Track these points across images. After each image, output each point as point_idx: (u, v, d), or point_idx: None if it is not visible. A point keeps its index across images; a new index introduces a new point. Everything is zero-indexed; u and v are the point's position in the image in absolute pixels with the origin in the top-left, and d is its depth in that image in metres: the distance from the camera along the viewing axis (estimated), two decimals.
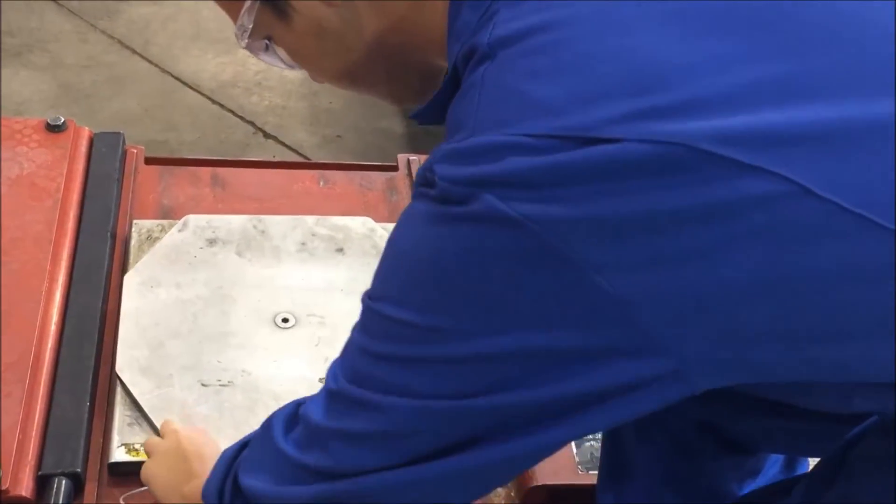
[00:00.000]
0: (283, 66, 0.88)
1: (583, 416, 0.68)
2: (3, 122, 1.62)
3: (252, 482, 0.81)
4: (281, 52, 0.86)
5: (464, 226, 0.65)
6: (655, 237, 0.61)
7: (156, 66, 2.82)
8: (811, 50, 0.64)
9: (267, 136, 2.63)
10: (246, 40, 0.84)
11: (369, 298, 0.76)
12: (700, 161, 0.60)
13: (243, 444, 0.87)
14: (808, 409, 0.85)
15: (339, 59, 0.84)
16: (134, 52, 2.87)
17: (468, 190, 0.64)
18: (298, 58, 0.86)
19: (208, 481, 0.87)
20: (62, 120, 1.61)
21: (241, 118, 2.66)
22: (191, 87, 2.74)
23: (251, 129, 2.64)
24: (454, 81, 0.75)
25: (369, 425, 0.73)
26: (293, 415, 0.83)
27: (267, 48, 0.86)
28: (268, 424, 0.83)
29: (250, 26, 0.82)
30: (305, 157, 2.55)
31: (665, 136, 0.60)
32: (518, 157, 0.63)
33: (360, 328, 0.77)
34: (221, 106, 2.69)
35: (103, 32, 2.95)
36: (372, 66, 0.84)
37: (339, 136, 2.68)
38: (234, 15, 0.82)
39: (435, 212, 0.67)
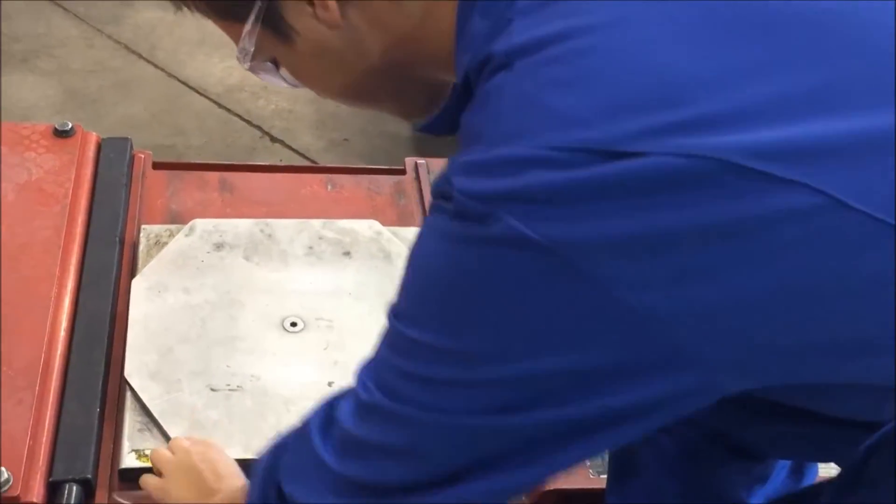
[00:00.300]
0: (286, 85, 0.87)
1: (613, 431, 0.68)
2: (12, 128, 1.63)
3: (298, 492, 0.80)
4: (284, 71, 0.85)
5: (486, 248, 0.64)
6: (685, 253, 0.60)
7: (162, 70, 2.83)
8: (834, 58, 0.64)
9: (274, 139, 2.63)
10: (248, 63, 0.83)
11: (395, 316, 0.74)
12: (732, 175, 0.59)
13: (276, 450, 0.86)
14: (827, 414, 0.84)
15: (344, 79, 0.83)
16: (140, 56, 2.88)
17: (487, 207, 0.63)
18: (303, 78, 0.85)
19: (250, 493, 0.87)
20: (70, 125, 1.61)
21: (248, 122, 2.66)
22: (197, 92, 2.75)
23: (258, 133, 2.65)
24: (466, 92, 0.74)
25: (405, 440, 0.72)
26: (328, 418, 0.82)
27: (270, 69, 0.85)
28: (305, 429, 0.83)
29: (252, 49, 0.81)
30: (312, 161, 2.56)
31: (696, 149, 0.59)
32: (539, 171, 0.62)
33: (388, 344, 0.75)
34: (228, 110, 2.70)
35: (109, 37, 2.96)
36: (378, 84, 0.84)
37: (345, 140, 2.68)
38: (235, 38, 0.81)
39: (455, 230, 0.66)
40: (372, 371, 0.77)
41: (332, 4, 0.75)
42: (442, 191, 0.68)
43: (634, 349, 0.63)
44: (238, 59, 0.83)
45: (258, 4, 0.77)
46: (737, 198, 0.59)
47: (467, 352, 0.68)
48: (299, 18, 0.77)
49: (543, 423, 0.68)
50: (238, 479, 1.07)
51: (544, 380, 0.66)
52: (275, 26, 0.79)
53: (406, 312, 0.73)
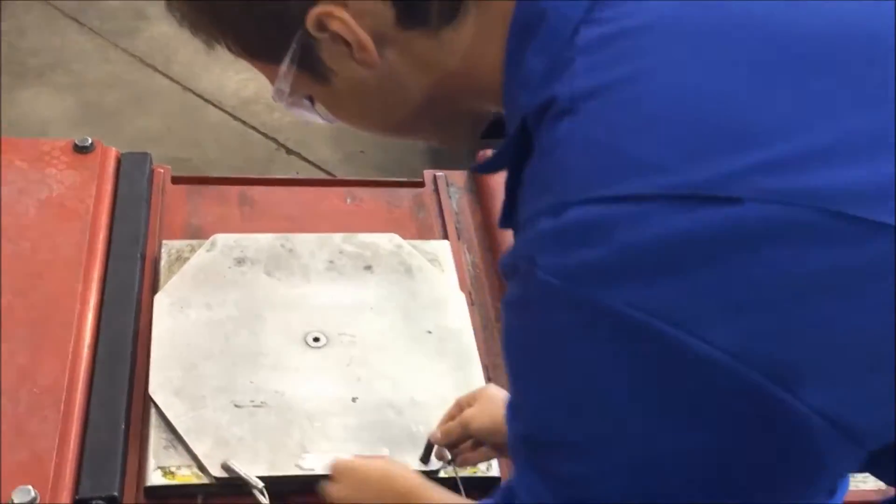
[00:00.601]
0: (322, 121, 0.86)
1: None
2: (32, 144, 1.63)
3: None
4: (320, 107, 0.84)
5: (599, 336, 0.62)
6: (793, 307, 0.58)
7: (177, 83, 2.85)
8: (890, 91, 0.62)
9: (290, 152, 2.65)
10: (284, 102, 0.82)
11: (523, 439, 0.73)
12: (831, 222, 0.57)
13: None
14: None
15: (383, 115, 0.82)
16: (155, 69, 2.90)
17: (586, 291, 0.61)
18: (340, 115, 0.84)
19: None
20: (90, 141, 1.62)
21: (264, 135, 2.67)
22: (213, 105, 2.76)
23: (274, 145, 2.66)
24: (524, 134, 0.72)
25: None
26: None
27: (306, 105, 0.84)
28: None
29: (288, 90, 0.79)
30: (329, 173, 2.57)
31: (790, 195, 0.58)
32: (627, 230, 0.59)
33: (535, 467, 0.73)
34: (244, 122, 2.71)
35: (125, 51, 2.98)
36: (418, 119, 0.82)
37: (361, 152, 2.69)
38: (271, 78, 0.80)
39: (561, 320, 0.63)
40: (538, 490, 0.75)
41: (370, 45, 0.73)
42: (518, 267, 0.66)
43: (763, 422, 0.61)
44: (273, 98, 0.82)
45: (294, 46, 0.75)
46: (840, 245, 0.58)
47: (608, 453, 0.67)
48: (336, 59, 0.76)
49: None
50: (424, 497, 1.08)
51: (690, 464, 0.64)
52: (311, 67, 0.77)
53: (543, 427, 0.71)
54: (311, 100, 0.83)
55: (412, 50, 0.76)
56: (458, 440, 1.21)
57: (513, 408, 0.75)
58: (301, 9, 0.72)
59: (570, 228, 0.62)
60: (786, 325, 0.59)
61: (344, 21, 0.72)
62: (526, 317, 0.68)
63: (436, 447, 1.21)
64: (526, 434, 0.73)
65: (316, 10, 0.72)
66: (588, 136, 0.64)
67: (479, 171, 0.83)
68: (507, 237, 1.54)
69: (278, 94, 0.80)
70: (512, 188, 0.78)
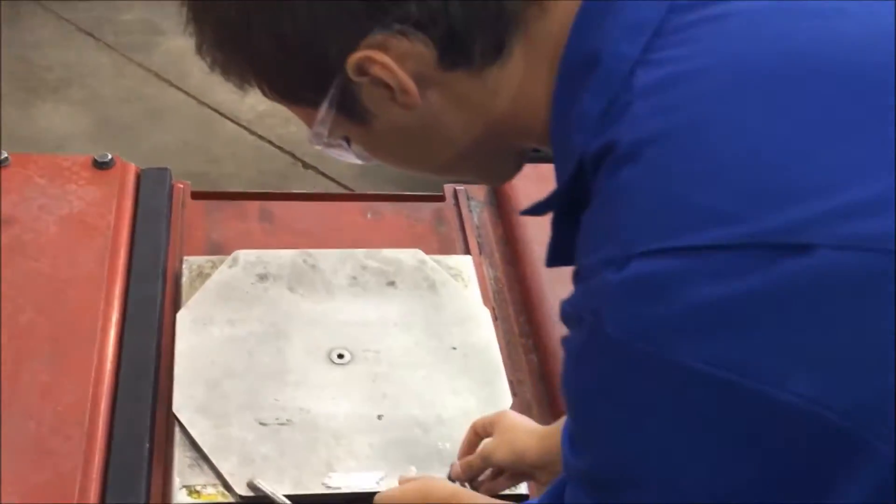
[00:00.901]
0: (360, 161, 0.84)
1: None
2: (52, 160, 1.63)
3: None
4: (357, 147, 0.82)
5: (675, 392, 0.61)
6: (865, 357, 0.57)
7: (193, 97, 2.85)
8: None
9: (306, 166, 2.65)
10: (321, 145, 0.80)
11: (585, 475, 0.72)
12: None
13: None
14: None
15: (426, 158, 0.81)
16: (171, 84, 2.90)
17: (660, 349, 0.59)
18: (379, 155, 0.82)
19: None
20: (109, 157, 1.62)
21: (280, 148, 2.68)
22: (229, 119, 2.77)
23: (290, 159, 2.66)
24: (579, 179, 0.71)
25: None
26: None
27: (342, 146, 0.82)
28: None
29: (325, 132, 0.77)
30: (346, 187, 2.56)
31: (864, 240, 0.56)
32: (699, 285, 0.58)
33: (595, 498, 0.72)
34: (260, 136, 2.71)
35: (140, 65, 2.98)
36: (462, 161, 0.81)
37: (378, 166, 2.69)
38: (307, 121, 0.78)
39: (633, 375, 0.63)
40: None
41: (412, 88, 0.72)
42: (584, 319, 0.65)
43: (837, 461, 0.60)
44: (309, 140, 0.80)
45: (333, 91, 0.74)
46: None
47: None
48: (376, 102, 0.74)
49: None
50: None
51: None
52: (350, 110, 0.75)
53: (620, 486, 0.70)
54: (348, 140, 0.81)
55: (455, 90, 0.74)
56: (478, 472, 1.20)
57: (574, 442, 0.74)
58: (341, 54, 0.71)
59: (638, 282, 0.61)
60: (868, 370, 0.58)
61: (385, 65, 0.70)
62: (593, 367, 0.67)
63: (452, 471, 1.21)
64: (589, 471, 0.72)
65: (356, 56, 0.70)
66: (652, 185, 0.62)
67: (527, 214, 0.81)
68: (531, 252, 1.56)
69: (316, 137, 0.78)
70: (560, 229, 0.76)
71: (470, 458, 1.20)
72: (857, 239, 0.57)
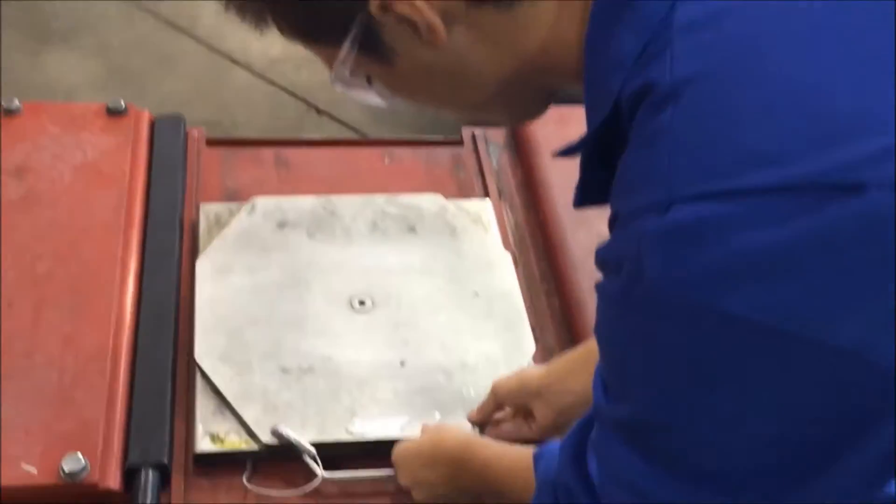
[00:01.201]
0: (383, 103, 0.81)
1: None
2: (64, 109, 1.62)
3: None
4: (380, 87, 0.79)
5: (718, 339, 0.60)
6: None
7: (204, 44, 2.82)
8: None
9: (320, 112, 2.62)
10: (342, 86, 0.77)
11: (622, 423, 0.72)
12: None
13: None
14: None
15: (452, 98, 0.78)
16: (182, 31, 2.86)
17: (704, 297, 0.58)
18: (403, 95, 0.79)
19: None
20: (123, 104, 1.60)
21: (294, 95, 2.65)
22: (241, 66, 2.73)
23: (304, 106, 2.64)
24: (616, 120, 0.68)
25: None
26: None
27: (364, 86, 0.79)
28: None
29: (347, 72, 0.75)
30: (361, 133, 2.54)
31: None
32: (745, 229, 0.56)
33: (631, 445, 0.72)
34: (273, 83, 2.68)
35: (149, 12, 2.95)
36: (489, 101, 0.78)
37: (393, 111, 2.66)
38: (328, 61, 0.76)
39: (677, 324, 0.61)
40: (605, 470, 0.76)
41: (439, 26, 0.69)
42: (623, 266, 0.63)
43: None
44: (331, 81, 0.77)
45: (355, 30, 0.71)
46: None
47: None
48: (400, 40, 0.72)
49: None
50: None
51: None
52: (372, 49, 0.73)
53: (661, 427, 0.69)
54: (370, 80, 0.78)
55: (483, 28, 0.71)
56: (490, 411, 1.20)
57: (608, 390, 0.73)
58: None
59: (680, 228, 0.59)
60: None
61: (410, 1, 0.68)
62: (632, 314, 0.65)
63: (469, 414, 1.21)
64: (624, 419, 0.71)
65: None
66: (695, 126, 0.60)
67: (561, 155, 0.79)
68: (552, 196, 1.55)
69: (337, 77, 0.76)
70: (591, 170, 0.74)
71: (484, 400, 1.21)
72: None
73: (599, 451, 0.77)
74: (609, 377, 0.73)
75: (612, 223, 0.68)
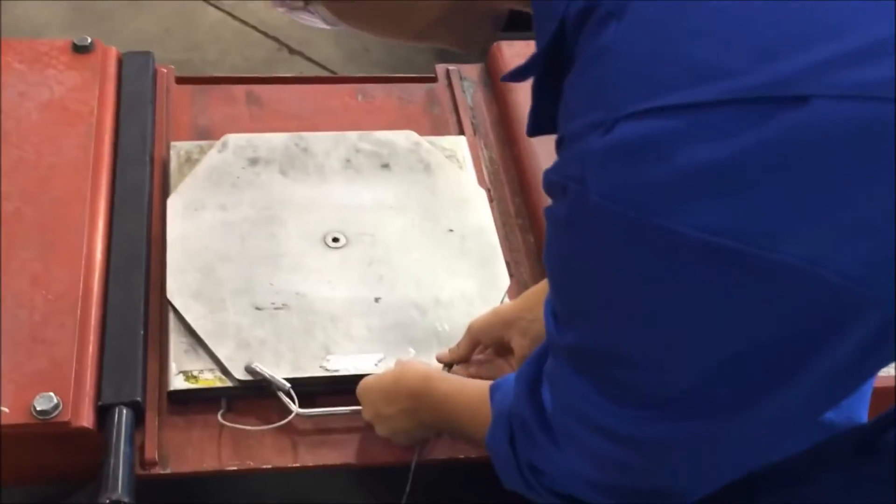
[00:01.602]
0: (325, 26, 0.80)
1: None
2: (30, 45, 1.58)
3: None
4: (324, 12, 0.78)
5: (663, 259, 0.59)
6: (864, 214, 0.55)
7: None
8: None
9: (292, 51, 2.57)
10: (284, 8, 0.77)
11: (572, 350, 0.72)
12: None
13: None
14: None
15: (396, 23, 0.77)
16: None
17: (648, 216, 0.57)
18: (348, 20, 0.79)
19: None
20: (89, 40, 1.57)
21: (265, 34, 2.59)
22: (210, 3, 2.68)
23: (275, 45, 2.58)
24: (559, 40, 0.67)
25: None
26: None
27: (307, 10, 0.79)
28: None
29: None
30: (333, 72, 2.50)
31: (860, 88, 0.53)
32: (689, 145, 0.55)
33: (581, 371, 0.72)
34: (243, 22, 2.62)
35: None
36: (435, 26, 0.77)
37: (366, 50, 2.62)
38: None
39: (619, 245, 0.60)
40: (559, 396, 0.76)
41: None
42: (568, 187, 0.62)
43: (844, 324, 0.59)
44: (272, 4, 0.77)
45: None
46: None
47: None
48: None
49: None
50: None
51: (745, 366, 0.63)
52: None
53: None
54: (306, 2, 0.78)
55: None
56: (463, 353, 1.20)
57: (558, 317, 0.73)
58: None
59: (624, 146, 0.58)
60: (867, 227, 0.56)
61: None
62: (578, 237, 0.64)
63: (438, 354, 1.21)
64: (574, 347, 0.71)
65: None
66: (638, 42, 0.59)
67: (507, 80, 0.77)
68: (525, 132, 1.53)
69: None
70: (541, 96, 0.73)
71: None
72: (856, 88, 0.53)
73: (552, 381, 0.77)
74: (558, 305, 0.72)
75: (559, 146, 0.67)
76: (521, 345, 1.13)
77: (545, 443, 0.79)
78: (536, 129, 0.77)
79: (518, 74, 0.75)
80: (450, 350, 1.21)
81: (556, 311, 0.73)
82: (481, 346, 1.20)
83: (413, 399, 1.07)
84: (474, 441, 1.00)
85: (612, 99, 0.59)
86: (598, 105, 0.60)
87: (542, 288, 1.15)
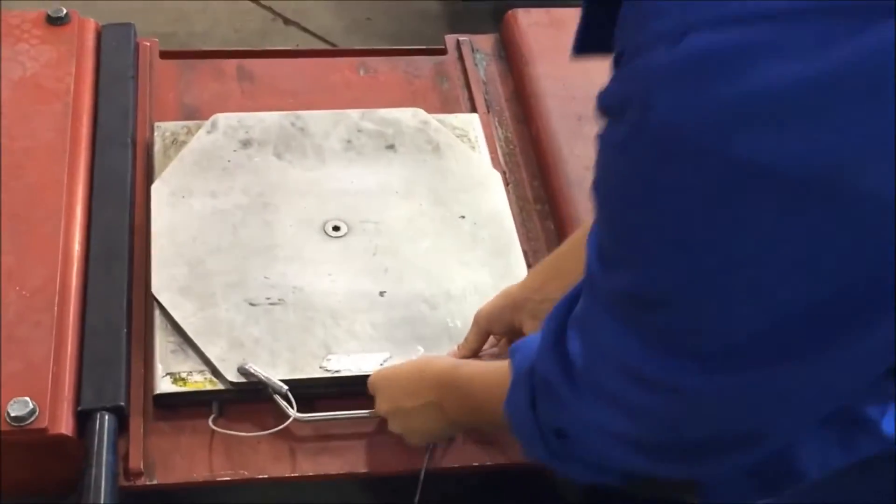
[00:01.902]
0: None
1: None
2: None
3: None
4: None
5: (729, 191, 0.57)
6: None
7: None
8: None
9: (287, 22, 2.58)
10: None
11: (621, 295, 0.71)
12: None
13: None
14: None
15: None
16: None
17: (718, 140, 0.55)
18: None
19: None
20: (65, 11, 1.57)
21: (257, 3, 2.60)
22: None
23: (269, 15, 2.59)
24: None
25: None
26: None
27: None
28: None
29: None
30: (332, 45, 2.50)
31: None
32: (770, 60, 0.52)
33: (626, 320, 0.71)
34: None
35: None
36: None
37: (368, 19, 2.62)
38: None
39: (686, 170, 0.58)
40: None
41: None
42: (629, 104, 0.60)
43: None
44: None
45: None
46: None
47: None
48: None
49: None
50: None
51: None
52: None
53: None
54: None
55: None
56: (474, 344, 1.19)
57: (605, 256, 0.71)
58: None
59: (694, 60, 0.56)
60: None
61: None
62: (637, 163, 0.62)
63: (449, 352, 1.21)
64: (620, 289, 0.70)
65: None
66: None
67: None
68: (546, 108, 1.53)
69: None
70: (593, 4, 0.71)
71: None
72: None
73: (586, 329, 0.76)
74: (607, 241, 0.71)
75: (617, 63, 0.65)
76: (533, 327, 1.11)
77: (571, 399, 0.78)
78: (584, 47, 0.75)
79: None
80: (458, 347, 1.20)
81: (604, 249, 0.72)
82: (493, 338, 1.20)
83: (439, 390, 1.07)
84: (497, 425, 0.98)
85: (682, 8, 0.57)
86: (665, 13, 0.58)
87: (549, 263, 1.15)
